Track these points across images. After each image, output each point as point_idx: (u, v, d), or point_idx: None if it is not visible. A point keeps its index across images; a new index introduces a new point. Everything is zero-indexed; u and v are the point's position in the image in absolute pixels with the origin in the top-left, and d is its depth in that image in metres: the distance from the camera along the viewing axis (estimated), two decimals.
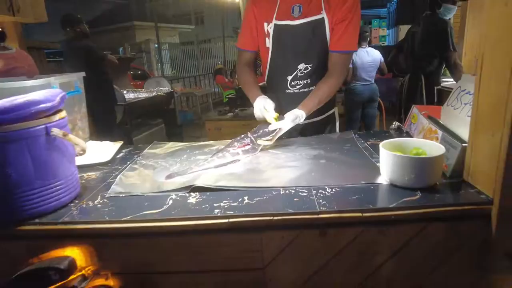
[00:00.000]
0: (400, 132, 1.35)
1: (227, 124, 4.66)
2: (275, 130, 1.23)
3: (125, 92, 4.74)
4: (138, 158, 1.25)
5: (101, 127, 3.48)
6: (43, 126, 0.83)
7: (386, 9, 11.35)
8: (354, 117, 3.80)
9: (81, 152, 0.97)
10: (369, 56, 3.63)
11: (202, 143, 1.39)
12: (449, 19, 2.77)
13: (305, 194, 0.87)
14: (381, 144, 0.92)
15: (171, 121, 5.55)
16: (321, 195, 0.86)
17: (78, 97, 1.32)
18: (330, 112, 1.56)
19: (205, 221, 0.80)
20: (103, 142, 1.42)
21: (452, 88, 2.70)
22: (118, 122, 4.02)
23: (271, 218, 0.79)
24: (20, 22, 3.21)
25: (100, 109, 3.42)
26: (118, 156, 1.32)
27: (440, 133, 1.01)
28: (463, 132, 1.07)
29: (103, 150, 1.31)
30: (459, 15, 3.41)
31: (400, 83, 3.02)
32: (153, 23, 8.99)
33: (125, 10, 15.44)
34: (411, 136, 1.27)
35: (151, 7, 9.43)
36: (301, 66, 1.41)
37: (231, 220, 0.79)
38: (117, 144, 1.39)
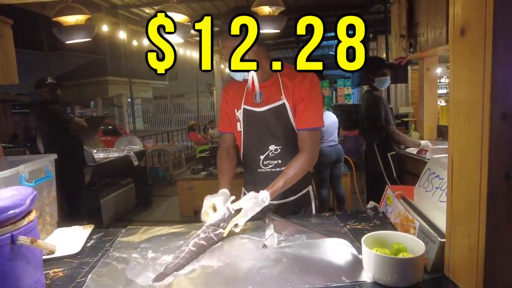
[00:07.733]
0: (376, 213, 1.38)
1: (199, 184, 4.52)
2: (230, 215, 1.20)
3: (94, 151, 4.62)
4: (110, 250, 1.17)
5: (68, 191, 3.31)
6: (8, 234, 0.77)
7: None
8: (323, 177, 3.94)
9: (50, 253, 0.90)
10: (329, 119, 3.87)
11: (175, 229, 1.33)
12: (383, 90, 3.06)
13: None
14: (363, 240, 0.93)
15: (141, 180, 5.40)
16: None
17: (48, 181, 1.26)
18: (304, 191, 1.54)
19: None
20: (72, 227, 1.33)
21: (405, 153, 2.97)
22: (86, 184, 3.86)
23: None
24: None
25: (69, 172, 3.28)
26: (88, 245, 1.24)
27: (417, 223, 1.04)
28: (438, 216, 1.10)
29: (71, 239, 1.22)
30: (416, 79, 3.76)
31: (360, 150, 3.21)
32: (127, 79, 9.10)
33: (101, 65, 15.63)
34: (387, 218, 1.30)
35: (126, 63, 9.60)
36: (272, 147, 1.45)
37: None
38: (87, 230, 1.31)
